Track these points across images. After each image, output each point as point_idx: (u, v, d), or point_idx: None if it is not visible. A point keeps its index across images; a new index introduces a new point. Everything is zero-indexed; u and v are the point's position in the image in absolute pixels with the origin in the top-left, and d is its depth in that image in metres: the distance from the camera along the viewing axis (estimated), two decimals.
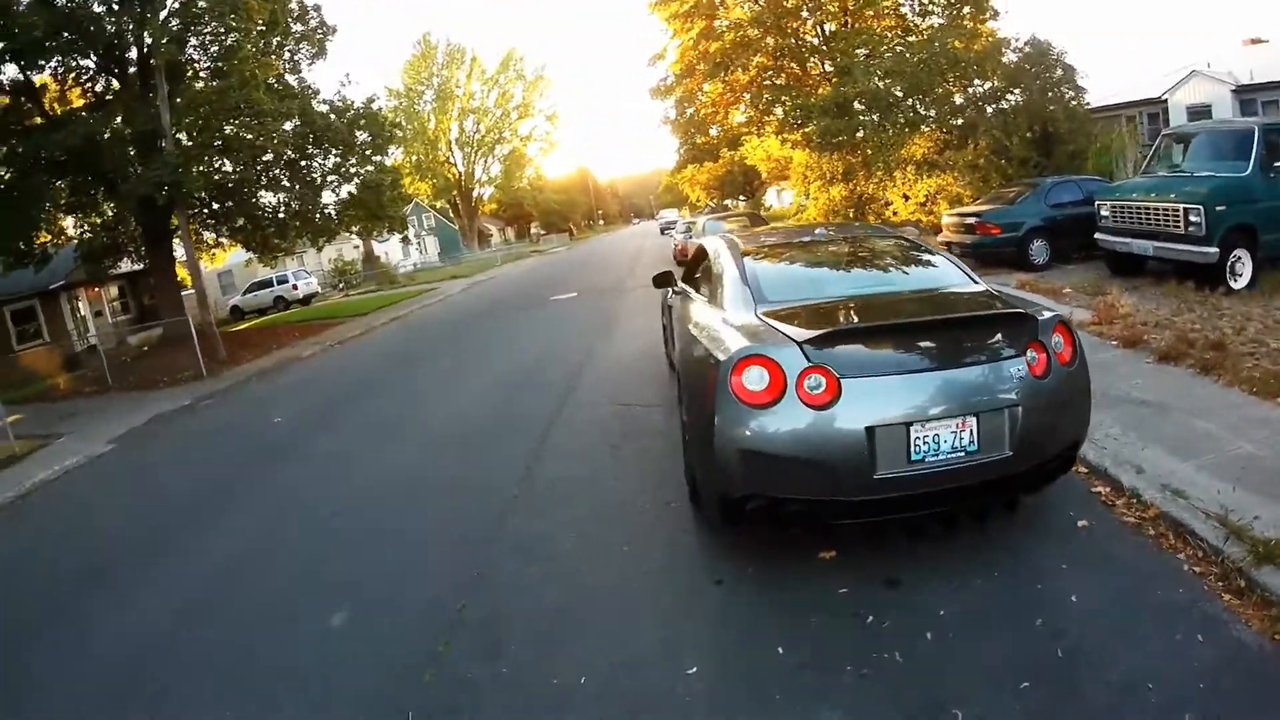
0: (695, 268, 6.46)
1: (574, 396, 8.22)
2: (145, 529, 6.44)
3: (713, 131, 26.01)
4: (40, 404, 15.09)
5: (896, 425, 3.34)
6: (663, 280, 7.41)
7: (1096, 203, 10.56)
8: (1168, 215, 9.10)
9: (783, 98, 20.59)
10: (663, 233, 50.04)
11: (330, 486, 6.70)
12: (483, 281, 31.68)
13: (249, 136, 17.68)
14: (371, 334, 19.15)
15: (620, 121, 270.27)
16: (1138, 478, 4.33)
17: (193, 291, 19.24)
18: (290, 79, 20.08)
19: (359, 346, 17.29)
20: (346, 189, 20.76)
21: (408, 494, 6.16)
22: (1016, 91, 17.58)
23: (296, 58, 20.60)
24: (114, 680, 3.96)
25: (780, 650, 3.22)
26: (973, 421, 3.39)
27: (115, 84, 18.44)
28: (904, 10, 21.25)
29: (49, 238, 18.44)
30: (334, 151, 19.57)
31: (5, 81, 17.19)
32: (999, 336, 3.61)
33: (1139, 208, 9.59)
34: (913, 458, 3.36)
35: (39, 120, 17.39)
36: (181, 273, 22.20)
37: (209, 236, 21.29)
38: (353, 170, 20.16)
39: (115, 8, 16.47)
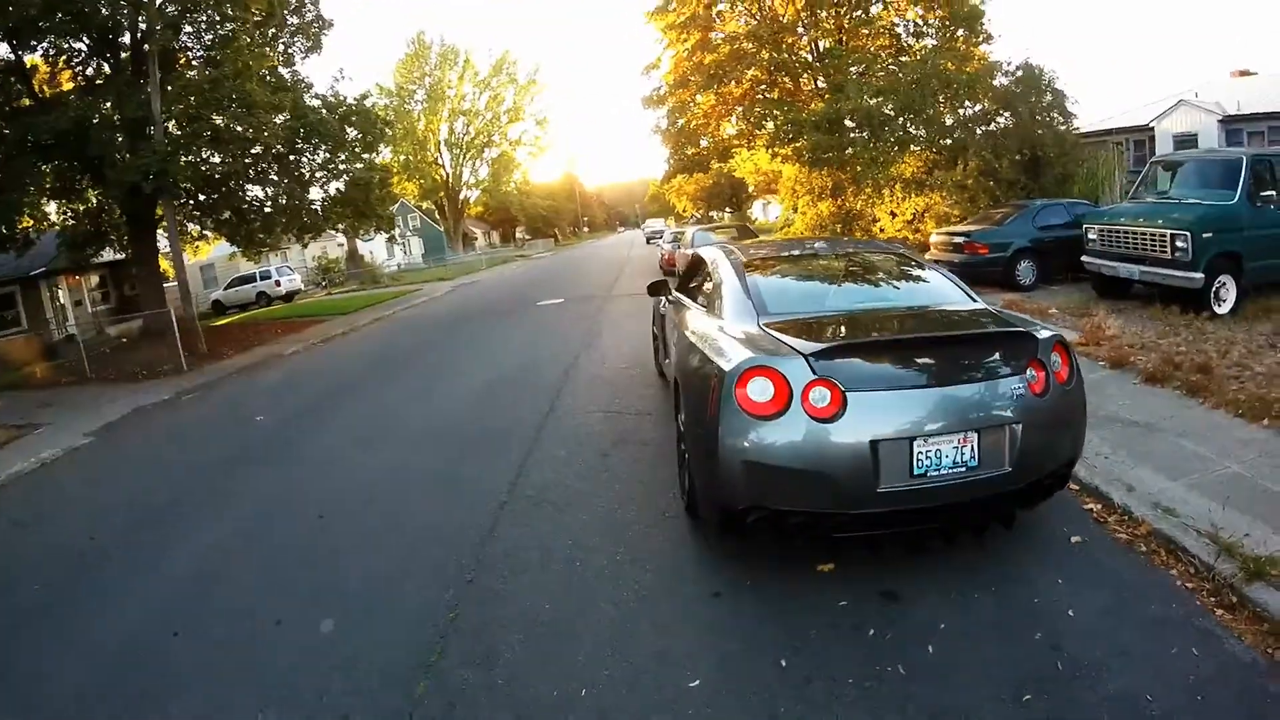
0: (690, 277, 6.48)
1: (562, 402, 8.14)
2: (124, 526, 6.25)
3: (703, 143, 26.17)
4: (16, 393, 14.79)
5: (900, 440, 3.36)
6: (657, 288, 7.42)
7: (1084, 226, 10.73)
8: (1155, 240, 9.25)
9: (775, 112, 20.73)
10: (648, 242, 50.13)
11: (314, 489, 6.54)
12: (467, 284, 31.51)
13: (239, 128, 17.50)
14: (355, 334, 18.95)
15: (608, 129, 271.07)
16: (1128, 495, 4.42)
17: (175, 284, 18.96)
18: (284, 72, 19.91)
19: (343, 346, 17.07)
20: (335, 185, 20.56)
21: (393, 498, 6.02)
22: (1006, 114, 17.83)
23: (291, 50, 20.47)
24: (87, 686, 3.81)
25: (783, 663, 3.22)
26: (974, 437, 3.43)
27: (107, 69, 18.22)
28: (898, 30, 21.58)
29: (31, 223, 18.09)
30: (324, 147, 19.32)
31: None
32: (1000, 354, 3.65)
33: (1127, 232, 9.75)
34: (915, 472, 3.39)
35: (27, 102, 17.14)
36: (164, 264, 21.93)
37: (193, 228, 20.96)
38: (342, 167, 19.95)
39: None
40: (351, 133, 19.48)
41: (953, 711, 2.80)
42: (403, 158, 56.22)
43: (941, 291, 4.62)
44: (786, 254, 5.77)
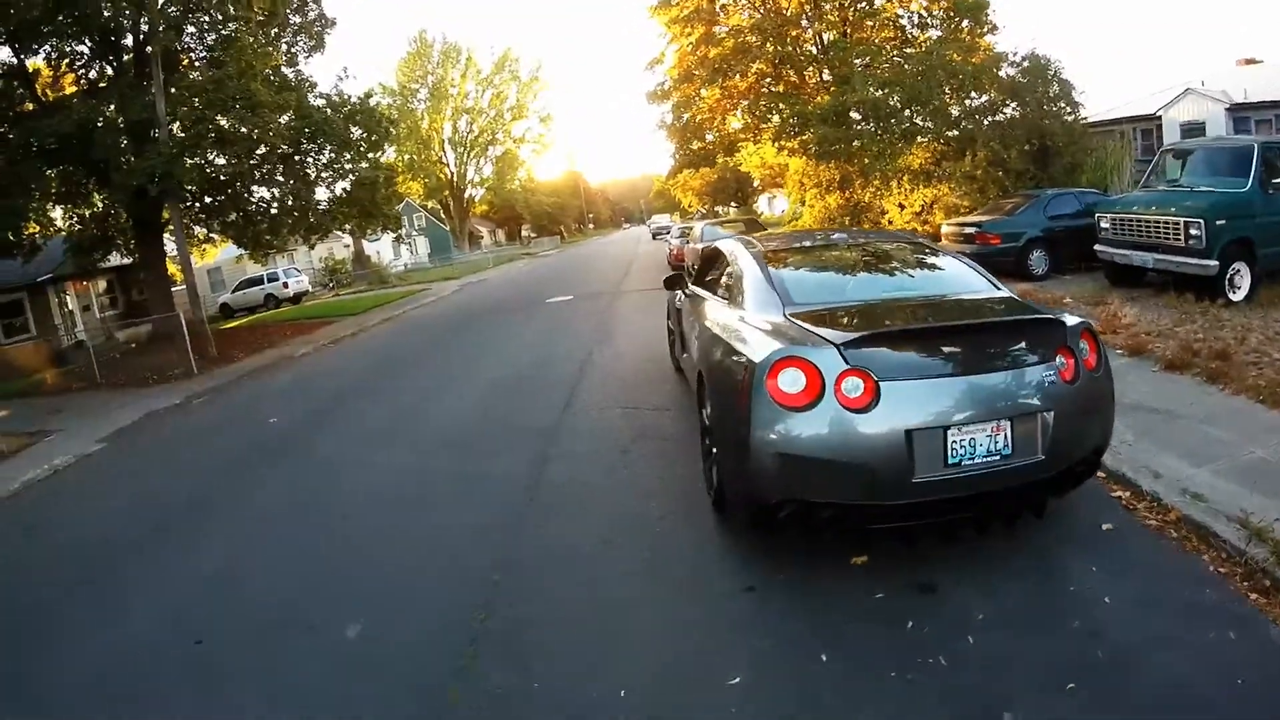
0: (707, 270, 6.46)
1: (578, 399, 8.11)
2: (140, 532, 6.14)
3: (708, 137, 26.10)
4: (27, 400, 14.82)
5: (934, 429, 3.34)
6: (674, 282, 7.40)
7: (1097, 215, 10.69)
8: (1168, 228, 9.22)
9: (780, 105, 20.66)
10: (655, 238, 49.99)
11: (331, 492, 6.47)
12: (475, 283, 31.51)
13: (244, 129, 17.50)
14: (365, 334, 18.95)
15: (612, 125, 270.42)
16: (1156, 482, 4.40)
17: (183, 287, 18.97)
18: (287, 71, 19.86)
19: (353, 347, 17.07)
20: (341, 185, 20.51)
21: (413, 499, 5.93)
22: (1013, 105, 17.76)
23: (294, 50, 20.42)
24: (108, 695, 3.73)
25: (823, 657, 3.18)
26: (1007, 426, 3.41)
27: (110, 71, 18.18)
28: (902, 22, 21.48)
29: (38, 228, 18.03)
30: (329, 147, 19.26)
31: None
32: (1030, 342, 3.63)
33: (1140, 221, 9.71)
34: (949, 461, 3.37)
35: (30, 106, 17.11)
36: (172, 268, 21.96)
37: (200, 231, 21.00)
38: (348, 166, 19.92)
39: None
40: (356, 132, 19.45)
41: (999, 703, 2.77)
42: (407, 157, 56.26)
43: (965, 280, 4.59)
44: (806, 244, 5.73)
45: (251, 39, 17.78)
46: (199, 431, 10.33)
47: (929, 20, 21.02)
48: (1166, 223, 9.24)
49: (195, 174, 16.70)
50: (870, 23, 20.86)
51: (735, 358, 3.94)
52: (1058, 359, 3.57)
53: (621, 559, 4.34)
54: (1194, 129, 20.76)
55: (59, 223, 19.93)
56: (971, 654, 3.09)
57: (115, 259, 22.04)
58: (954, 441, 3.36)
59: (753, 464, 3.54)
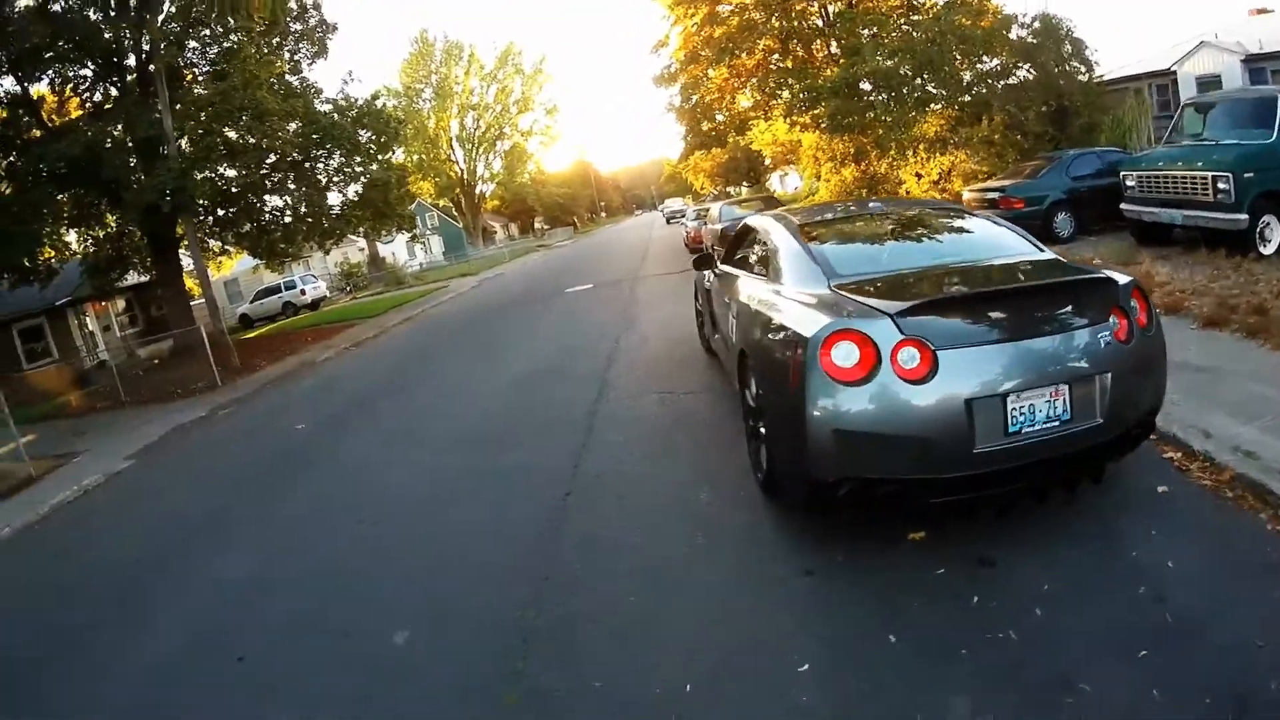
0: (737, 248, 6.39)
1: (610, 387, 8.03)
2: (172, 549, 6.11)
3: (719, 117, 25.89)
4: (53, 422, 14.90)
5: (994, 397, 3.27)
6: (703, 262, 7.33)
7: (1122, 173, 10.50)
8: (1196, 184, 9.03)
9: (790, 80, 20.42)
10: (669, 222, 49.87)
11: (365, 493, 6.42)
12: (492, 278, 31.62)
13: (252, 139, 17.57)
14: (387, 335, 19.03)
15: (619, 112, 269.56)
16: (1207, 441, 4.31)
17: (202, 301, 19.11)
18: (292, 79, 19.87)
19: (375, 348, 17.12)
20: (353, 189, 20.58)
21: (450, 497, 5.85)
22: (1026, 66, 17.48)
23: (297, 57, 20.42)
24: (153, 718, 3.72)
25: (891, 638, 3.10)
26: (1065, 390, 3.34)
27: (114, 92, 18.30)
28: None
29: (53, 253, 18.29)
30: (339, 151, 19.31)
31: (2, 94, 17.12)
32: (1083, 303, 3.53)
33: (1166, 177, 9.52)
34: (1010, 430, 3.30)
35: (38, 133, 17.24)
36: (189, 283, 22.13)
37: (214, 244, 21.12)
38: (359, 169, 19.96)
39: (112, 14, 16.32)
40: (365, 135, 19.48)
41: (1073, 675, 2.72)
42: (416, 157, 56.32)
43: (1006, 243, 4.48)
44: (840, 215, 5.60)
45: (254, 49, 17.81)
46: (226, 443, 10.37)
47: None
48: (1194, 178, 9.05)
49: (206, 187, 16.77)
50: None
51: (783, 334, 3.85)
52: (1111, 319, 3.48)
53: (672, 548, 4.26)
54: (1210, 83, 20.25)
55: (74, 246, 20.14)
56: (1040, 627, 3.03)
57: (132, 277, 22.23)
58: (1014, 409, 3.29)
59: (810, 443, 3.46)
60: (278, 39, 19.52)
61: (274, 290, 33.83)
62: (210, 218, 19.45)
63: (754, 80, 22.63)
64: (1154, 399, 3.78)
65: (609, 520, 4.80)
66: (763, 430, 4.29)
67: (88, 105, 18.68)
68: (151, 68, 16.52)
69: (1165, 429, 4.54)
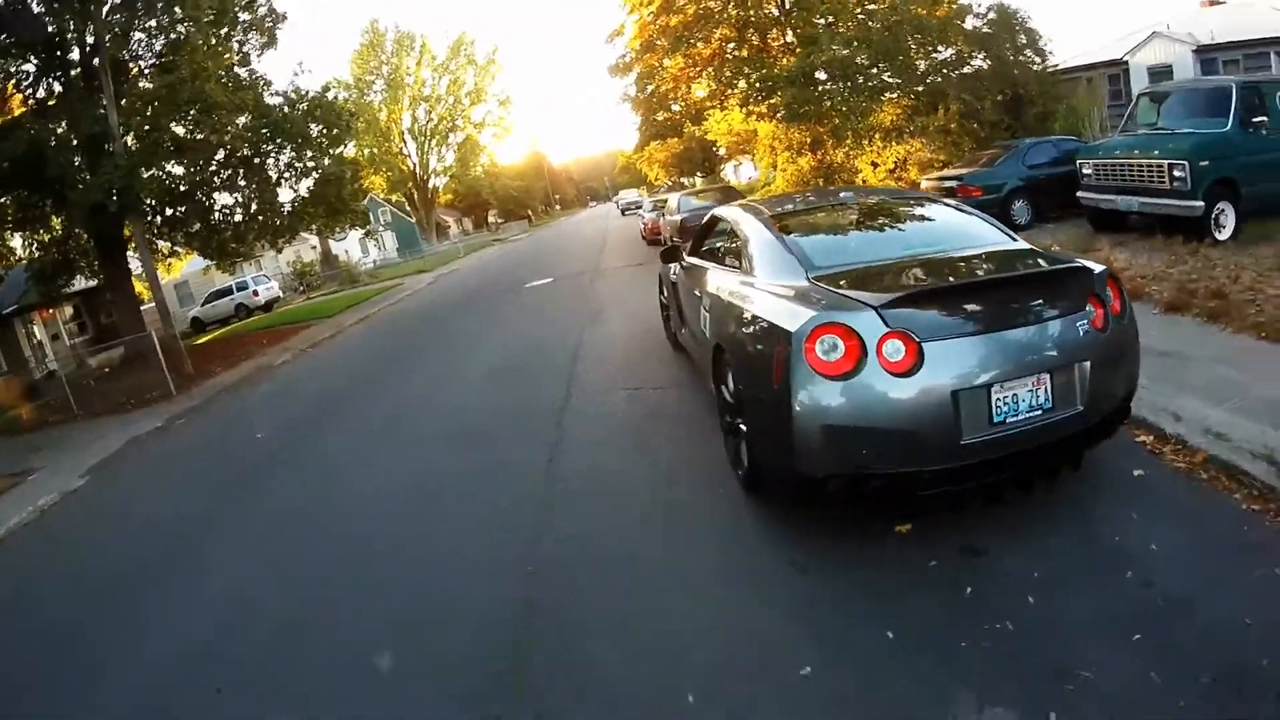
0: (703, 240, 6.34)
1: (578, 384, 7.92)
2: (139, 569, 5.76)
3: (674, 107, 25.83)
4: (4, 438, 14.28)
5: (979, 388, 3.29)
6: (670, 255, 7.25)
7: (1078, 161, 10.70)
8: (1152, 171, 9.24)
9: (746, 70, 20.45)
10: (624, 214, 49.66)
11: (333, 503, 6.19)
12: (448, 274, 31.15)
13: (201, 135, 17.04)
14: (344, 335, 18.65)
15: (574, 104, 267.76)
16: (1178, 424, 4.41)
17: (152, 305, 18.50)
18: (241, 71, 19.30)
19: (333, 349, 16.75)
20: (305, 184, 19.98)
21: (423, 503, 5.64)
22: (981, 56, 17.76)
23: (246, 49, 19.75)
24: None
25: (889, 634, 3.08)
26: (1047, 379, 3.39)
27: (58, 87, 17.56)
28: None
29: None
30: (290, 145, 18.72)
31: None
32: (1062, 292, 3.57)
33: (1122, 165, 9.73)
34: (994, 420, 3.32)
35: None
36: (138, 286, 21.44)
37: (163, 245, 20.38)
38: (310, 164, 19.39)
39: (56, 5, 15.68)
40: (316, 128, 18.99)
41: (1074, 663, 2.74)
42: (367, 151, 55.34)
43: (980, 233, 4.51)
44: (812, 205, 5.58)
45: (201, 39, 17.27)
46: (184, 455, 10.02)
47: None
48: (1150, 166, 9.26)
49: (154, 185, 16.19)
50: None
51: (764, 328, 3.81)
52: (1088, 308, 3.53)
53: (657, 547, 4.19)
54: (1162, 73, 20.78)
55: (19, 251, 19.38)
56: (1035, 615, 3.05)
57: (80, 283, 21.39)
58: (998, 399, 3.31)
59: (796, 439, 3.43)
60: (226, 29, 18.90)
61: (226, 292, 32.95)
62: (158, 217, 18.77)
63: (710, 70, 22.58)
64: (1129, 385, 3.84)
65: (590, 523, 4.66)
66: (742, 426, 4.24)
67: (30, 102, 17.83)
68: (96, 61, 15.90)
69: (1137, 413, 4.60)
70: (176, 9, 16.30)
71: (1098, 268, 3.76)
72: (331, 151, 19.67)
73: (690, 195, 18.71)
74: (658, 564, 4.05)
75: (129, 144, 16.11)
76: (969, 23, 17.99)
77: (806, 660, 3.04)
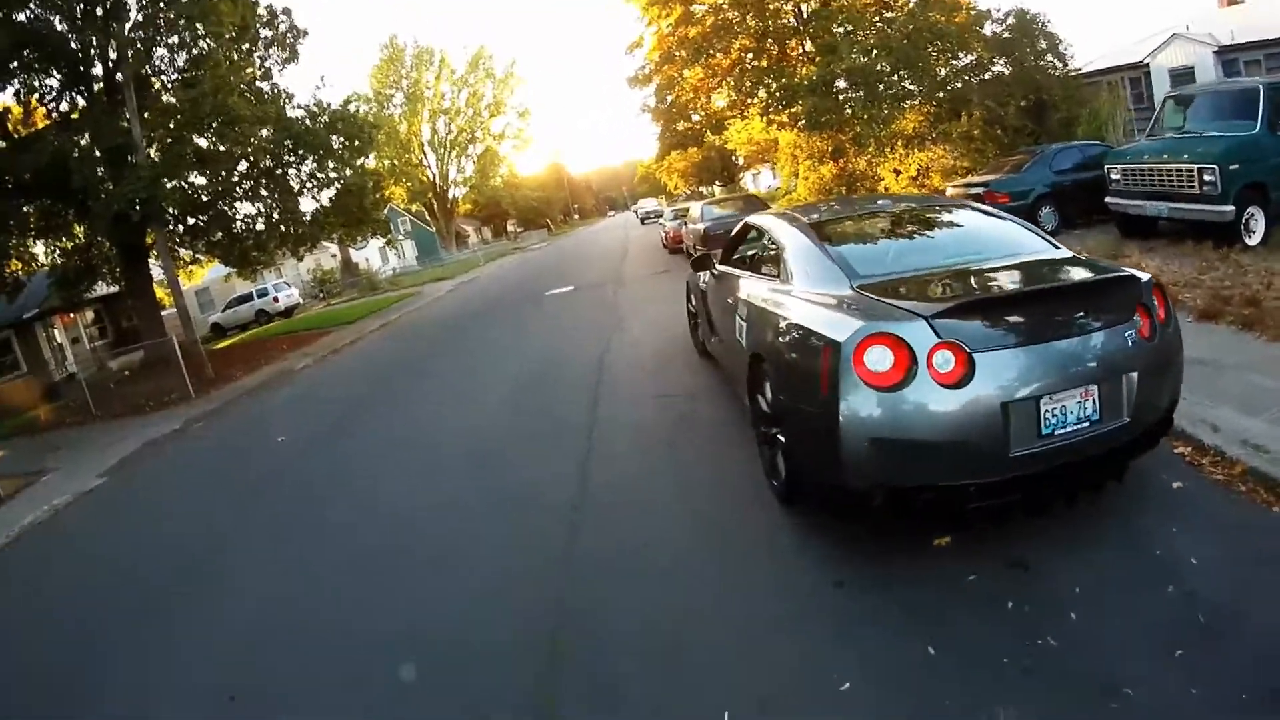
0: (735, 248, 6.29)
1: (605, 393, 7.81)
2: (153, 574, 5.70)
3: (694, 117, 25.82)
4: (22, 439, 14.52)
5: (1028, 399, 3.22)
6: (700, 263, 7.17)
7: (1106, 166, 10.57)
8: (1181, 176, 9.11)
9: (766, 79, 20.41)
10: (644, 223, 49.73)
11: (356, 513, 6.01)
12: (469, 282, 31.25)
13: (223, 146, 17.22)
14: (364, 342, 18.71)
15: (593, 114, 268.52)
16: (1215, 435, 4.31)
17: (173, 310, 18.72)
18: (263, 86, 19.51)
19: (354, 356, 16.77)
20: (326, 194, 20.19)
21: (449, 516, 5.49)
22: (1002, 61, 17.63)
23: (268, 63, 20.01)
24: None
25: (931, 650, 3.01)
26: (1095, 390, 3.32)
27: (81, 101, 17.81)
28: None
29: (20, 265, 17.84)
30: (311, 157, 18.89)
31: None
32: (1109, 301, 3.50)
33: (1151, 170, 9.60)
34: (1043, 432, 3.25)
35: (2, 144, 16.75)
36: (160, 292, 21.68)
37: (185, 253, 20.73)
38: (332, 175, 19.59)
39: (79, 23, 15.93)
40: (337, 140, 19.15)
41: (1118, 680, 2.67)
42: (388, 162, 55.73)
43: (1022, 241, 4.39)
44: (850, 213, 5.45)
45: (224, 55, 17.48)
46: (203, 458, 10.04)
47: None
48: (1179, 170, 9.13)
49: (176, 196, 16.43)
50: None
51: (808, 338, 3.70)
52: (1135, 317, 3.46)
53: (694, 563, 4.10)
54: (1183, 75, 20.58)
55: (41, 257, 19.69)
56: (1078, 630, 2.97)
57: (102, 288, 21.79)
58: (1047, 410, 3.25)
59: (844, 452, 3.35)
60: (248, 45, 19.15)
61: (246, 298, 33.27)
62: (180, 226, 19.04)
63: (729, 80, 22.56)
64: (1173, 395, 3.77)
65: (624, 538, 4.55)
66: (780, 437, 4.14)
67: (54, 115, 18.11)
68: (119, 76, 16.14)
69: (1175, 424, 4.52)
70: (198, 26, 16.47)
71: (1144, 276, 3.68)
72: (353, 163, 19.86)
73: (713, 204, 18.67)
74: (694, 581, 3.94)
75: (152, 155, 16.31)
76: (988, 29, 17.86)
77: (846, 677, 2.98)
